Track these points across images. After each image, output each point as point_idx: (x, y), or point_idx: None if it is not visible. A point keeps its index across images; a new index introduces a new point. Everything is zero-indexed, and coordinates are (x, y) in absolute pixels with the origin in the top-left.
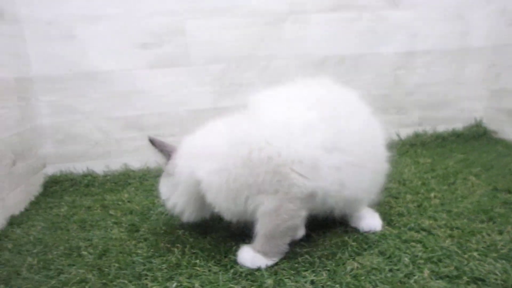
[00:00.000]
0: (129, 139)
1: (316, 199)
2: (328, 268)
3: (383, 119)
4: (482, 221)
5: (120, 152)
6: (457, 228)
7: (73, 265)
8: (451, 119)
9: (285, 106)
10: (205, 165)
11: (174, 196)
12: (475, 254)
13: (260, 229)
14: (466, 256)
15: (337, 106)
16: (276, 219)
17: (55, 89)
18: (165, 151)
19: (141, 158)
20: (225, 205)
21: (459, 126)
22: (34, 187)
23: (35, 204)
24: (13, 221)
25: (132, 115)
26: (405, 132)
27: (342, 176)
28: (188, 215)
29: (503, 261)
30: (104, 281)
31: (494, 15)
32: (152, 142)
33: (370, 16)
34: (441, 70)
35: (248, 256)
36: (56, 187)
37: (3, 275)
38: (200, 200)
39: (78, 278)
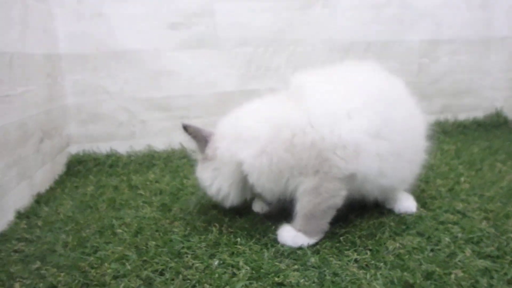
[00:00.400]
0: (154, 120)
1: (355, 181)
2: (370, 248)
3: None
4: None
5: (144, 133)
6: (491, 211)
7: (109, 242)
8: (472, 107)
9: (330, 90)
10: (247, 147)
11: (217, 180)
12: None
13: (301, 208)
14: (504, 237)
15: (383, 93)
16: (316, 198)
17: (82, 68)
18: (201, 136)
19: (166, 139)
20: (267, 186)
21: (479, 114)
22: (59, 166)
23: (60, 183)
24: (40, 199)
25: (159, 96)
26: (427, 120)
27: (382, 164)
28: (232, 198)
29: None
30: (144, 258)
31: None
32: (186, 128)
33: (397, 3)
34: (464, 59)
35: (289, 235)
36: (80, 167)
37: (37, 252)
38: (243, 181)
39: (116, 255)
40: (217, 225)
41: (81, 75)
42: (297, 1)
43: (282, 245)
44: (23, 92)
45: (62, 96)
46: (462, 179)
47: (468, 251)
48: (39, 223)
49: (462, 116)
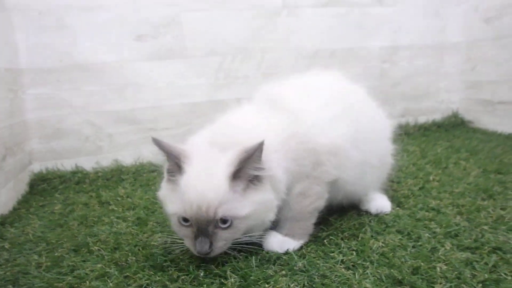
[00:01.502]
0: (121, 133)
1: (336, 186)
2: (355, 248)
3: None
4: (483, 199)
5: (111, 147)
6: (462, 206)
7: (87, 260)
8: (431, 110)
9: (310, 100)
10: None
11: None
12: (485, 227)
13: (288, 212)
14: (479, 229)
15: (353, 102)
16: (304, 200)
17: (45, 81)
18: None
19: (134, 153)
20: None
21: (438, 116)
22: (22, 185)
23: (24, 202)
24: (4, 221)
25: (126, 109)
26: (391, 123)
27: (356, 170)
28: None
29: None
30: (126, 274)
31: (469, 12)
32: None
33: (358, 12)
34: (422, 64)
35: (277, 240)
36: (44, 185)
37: (8, 275)
38: None
39: (96, 273)
40: None
41: (44, 89)
42: (263, 10)
43: (267, 251)
44: None
45: (23, 111)
46: (431, 177)
47: (448, 245)
48: (6, 245)
49: (422, 119)
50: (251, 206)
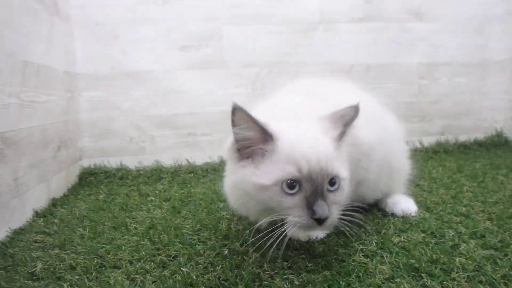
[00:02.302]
0: (163, 136)
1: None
2: (376, 241)
3: (406, 128)
4: None
5: (153, 149)
6: (494, 213)
7: (124, 235)
8: (472, 128)
9: (346, 98)
10: None
11: None
12: None
13: None
14: (507, 233)
15: (372, 108)
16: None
17: (97, 86)
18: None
19: (173, 155)
20: None
21: (480, 135)
22: (72, 176)
23: (73, 191)
24: (55, 203)
25: (168, 114)
26: (427, 141)
27: (376, 171)
28: None
29: None
30: (157, 246)
31: None
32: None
33: (396, 28)
34: (462, 81)
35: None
36: (92, 178)
37: (56, 242)
38: None
39: (131, 244)
40: (225, 223)
41: (96, 92)
42: (300, 25)
43: (290, 238)
44: (45, 100)
45: (77, 111)
46: (465, 188)
47: (472, 243)
48: (56, 221)
49: (462, 137)
50: (347, 169)
